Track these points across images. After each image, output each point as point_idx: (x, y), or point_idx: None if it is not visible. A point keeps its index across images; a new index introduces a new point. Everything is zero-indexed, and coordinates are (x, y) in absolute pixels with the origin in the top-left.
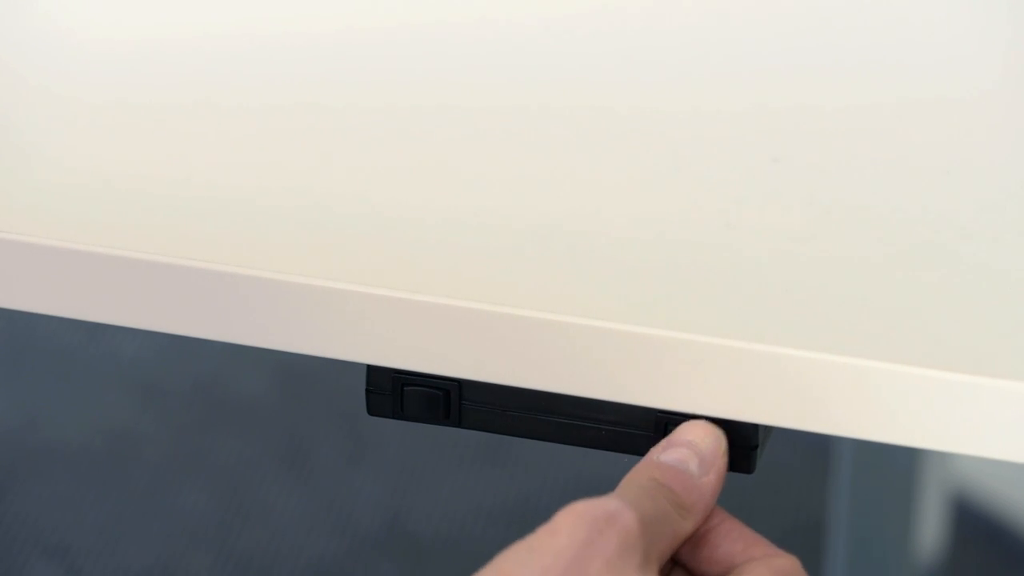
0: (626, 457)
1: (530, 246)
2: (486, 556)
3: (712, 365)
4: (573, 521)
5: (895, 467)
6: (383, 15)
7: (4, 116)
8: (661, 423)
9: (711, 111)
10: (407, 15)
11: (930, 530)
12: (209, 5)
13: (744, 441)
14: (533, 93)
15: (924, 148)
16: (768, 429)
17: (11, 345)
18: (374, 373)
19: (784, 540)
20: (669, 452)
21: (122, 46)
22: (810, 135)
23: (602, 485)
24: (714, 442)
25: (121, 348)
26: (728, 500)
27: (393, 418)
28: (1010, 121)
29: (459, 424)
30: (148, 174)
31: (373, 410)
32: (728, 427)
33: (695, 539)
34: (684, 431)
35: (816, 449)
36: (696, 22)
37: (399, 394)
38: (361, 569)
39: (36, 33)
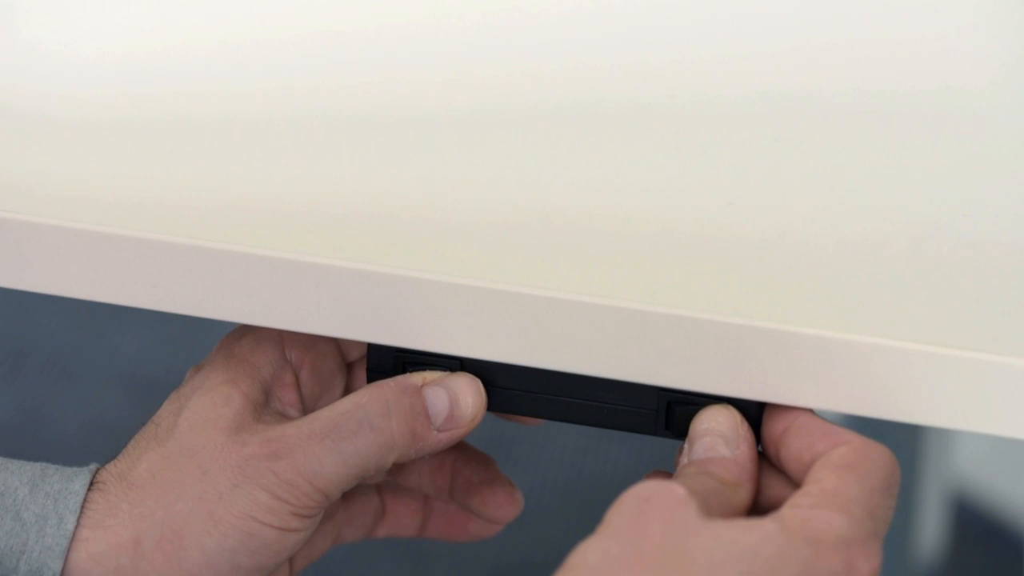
0: (626, 457)
1: (534, 226)
2: (486, 556)
3: (715, 343)
4: (620, 505)
5: None
6: (379, 16)
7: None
8: (664, 401)
9: (712, 92)
10: (401, 15)
11: (930, 530)
12: (197, 14)
13: (748, 420)
14: (532, 80)
15: (924, 128)
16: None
17: (11, 345)
18: (376, 352)
19: None
20: (695, 447)
21: (111, 57)
22: (810, 115)
23: (602, 485)
24: (729, 418)
25: (121, 348)
26: None
27: None
28: (1012, 103)
29: None
30: (154, 167)
31: None
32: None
33: (776, 441)
34: (698, 423)
35: None
36: (697, 5)
37: (401, 372)
38: (361, 569)
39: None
